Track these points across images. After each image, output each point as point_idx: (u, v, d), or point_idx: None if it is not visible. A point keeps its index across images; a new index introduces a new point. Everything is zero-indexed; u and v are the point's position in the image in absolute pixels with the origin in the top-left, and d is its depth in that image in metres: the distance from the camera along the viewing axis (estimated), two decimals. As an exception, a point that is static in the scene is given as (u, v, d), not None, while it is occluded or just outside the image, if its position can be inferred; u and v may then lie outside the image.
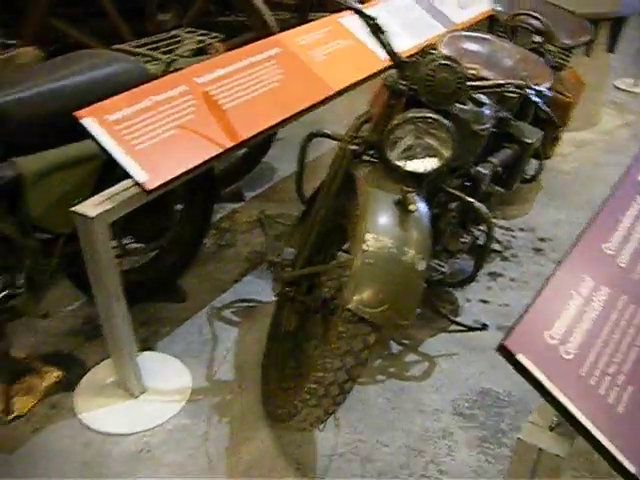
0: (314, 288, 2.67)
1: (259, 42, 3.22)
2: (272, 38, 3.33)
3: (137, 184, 2.29)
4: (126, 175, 2.37)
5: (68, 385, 2.86)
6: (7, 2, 4.47)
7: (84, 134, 2.38)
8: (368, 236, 2.10)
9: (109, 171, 2.64)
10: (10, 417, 2.72)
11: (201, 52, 3.19)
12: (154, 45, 3.13)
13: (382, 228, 2.13)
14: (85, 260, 2.42)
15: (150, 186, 2.29)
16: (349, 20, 3.64)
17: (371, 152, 2.43)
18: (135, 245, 2.96)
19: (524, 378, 1.38)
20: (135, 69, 2.79)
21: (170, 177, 2.35)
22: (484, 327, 3.14)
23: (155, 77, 2.76)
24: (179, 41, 3.23)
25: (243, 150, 3.92)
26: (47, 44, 3.77)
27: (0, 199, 2.44)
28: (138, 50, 3.01)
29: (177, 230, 3.16)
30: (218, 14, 4.56)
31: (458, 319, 3.18)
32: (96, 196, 2.37)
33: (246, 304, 3.29)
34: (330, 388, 2.17)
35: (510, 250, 3.72)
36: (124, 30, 3.88)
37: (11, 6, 4.41)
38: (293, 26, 3.55)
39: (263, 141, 3.87)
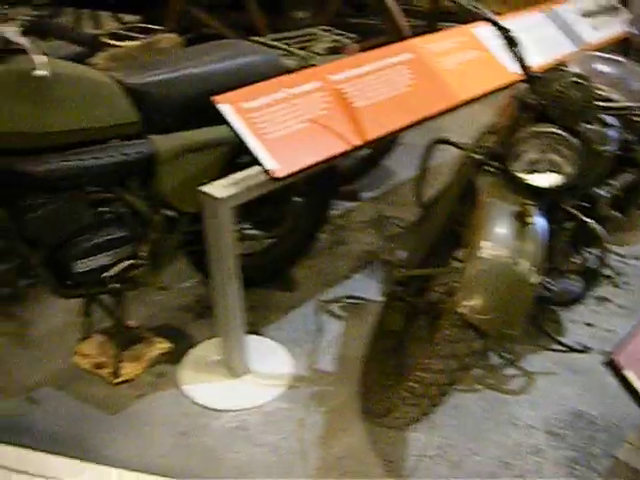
0: (423, 290, 2.71)
1: (392, 46, 3.27)
2: (404, 43, 3.37)
3: (265, 172, 2.38)
4: (254, 162, 2.46)
5: (174, 358, 2.99)
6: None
7: (218, 119, 2.48)
8: (484, 244, 2.13)
9: (237, 157, 2.76)
10: (118, 380, 2.86)
11: (335, 51, 3.26)
12: (291, 40, 3.22)
13: (499, 238, 2.16)
14: (206, 240, 2.53)
15: (278, 174, 2.37)
16: (482, 31, 3.66)
17: (494, 163, 2.45)
18: (252, 231, 3.06)
19: (629, 394, 1.39)
20: (272, 61, 2.89)
21: (298, 168, 2.43)
22: (586, 350, 3.11)
23: (290, 71, 2.84)
24: (315, 39, 3.31)
25: (364, 150, 3.98)
26: (186, 32, 3.92)
27: (135, 174, 2.58)
28: (275, 44, 3.10)
29: (294, 222, 3.24)
30: (351, 15, 4.64)
31: (561, 339, 3.16)
32: (224, 179, 2.48)
33: (353, 300, 3.34)
34: (429, 389, 2.21)
35: (621, 277, 3.67)
36: (261, 24, 3.99)
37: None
38: (423, 33, 3.59)
39: (385, 143, 3.93)
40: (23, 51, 2.12)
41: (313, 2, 4.25)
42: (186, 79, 2.66)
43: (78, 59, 2.71)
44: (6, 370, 2.96)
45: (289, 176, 2.41)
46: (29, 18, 2.10)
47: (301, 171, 2.46)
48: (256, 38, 3.17)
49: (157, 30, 3.59)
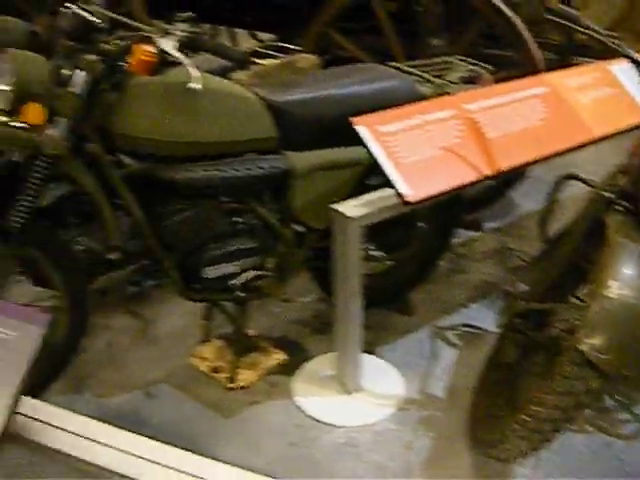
0: (543, 325, 2.69)
1: (526, 79, 3.26)
2: (539, 76, 3.36)
3: (398, 195, 2.42)
4: (384, 184, 2.51)
5: (289, 369, 3.06)
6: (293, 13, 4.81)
7: (353, 140, 2.54)
8: (611, 283, 2.12)
9: (367, 178, 2.82)
10: (233, 386, 2.95)
11: (469, 80, 3.28)
12: (427, 68, 3.26)
13: (626, 278, 2.14)
14: (333, 257, 2.59)
15: (410, 199, 2.41)
16: (618, 68, 3.61)
17: (625, 203, 2.43)
18: (376, 252, 3.10)
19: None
20: (408, 87, 2.94)
21: (429, 194, 2.46)
22: None
23: (425, 98, 2.89)
24: (450, 67, 3.35)
25: (491, 180, 3.98)
26: (323, 53, 4.02)
27: (269, 187, 2.67)
28: (412, 70, 3.15)
29: (416, 246, 3.27)
30: (485, 45, 4.65)
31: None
32: (356, 199, 2.54)
33: (469, 329, 3.34)
34: (543, 424, 2.20)
35: None
36: (397, 49, 4.05)
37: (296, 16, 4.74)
38: (557, 67, 3.57)
39: (512, 175, 3.92)
40: (178, 64, 2.24)
41: (449, 31, 4.28)
42: (325, 100, 2.74)
43: (222, 74, 2.83)
44: (127, 365, 3.10)
45: (420, 201, 2.45)
46: (186, 34, 2.21)
47: (432, 197, 2.49)
48: (393, 64, 3.22)
49: (296, 50, 3.70)
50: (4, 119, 2.35)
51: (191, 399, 2.91)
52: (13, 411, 1.56)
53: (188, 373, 3.04)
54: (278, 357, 3.09)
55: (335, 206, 2.49)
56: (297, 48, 3.72)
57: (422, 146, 2.58)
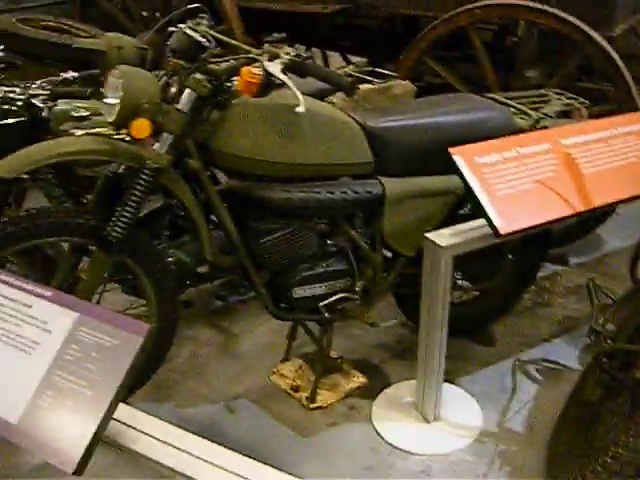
0: (629, 366, 2.65)
1: (624, 115, 3.23)
2: (637, 114, 3.33)
3: (491, 226, 2.42)
4: (475, 215, 2.52)
5: (369, 393, 3.06)
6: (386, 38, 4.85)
7: (447, 169, 2.55)
8: None
9: (458, 208, 2.83)
10: (312, 406, 2.97)
11: (565, 114, 3.27)
12: (522, 100, 3.26)
13: None
14: (422, 284, 2.60)
15: (503, 231, 2.41)
16: None
17: None
18: (462, 282, 3.10)
19: None
20: (505, 119, 2.94)
21: (522, 227, 2.46)
22: None
23: (522, 130, 2.89)
24: (546, 100, 3.34)
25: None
26: (415, 80, 4.04)
27: (362, 211, 2.70)
28: (508, 102, 3.15)
29: (502, 278, 3.26)
30: (581, 79, 4.61)
31: None
32: (448, 228, 2.55)
33: (550, 365, 3.31)
34: (625, 467, 2.17)
35: None
36: (491, 79, 4.05)
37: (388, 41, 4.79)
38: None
39: (602, 212, 3.87)
40: (281, 86, 2.29)
41: (544, 63, 4.27)
42: (422, 127, 2.76)
43: (319, 96, 2.88)
44: (209, 378, 3.15)
45: (513, 234, 2.45)
46: (291, 57, 2.25)
47: (524, 230, 2.49)
48: (491, 95, 3.23)
49: (390, 75, 3.72)
50: (111, 132, 2.43)
51: (270, 416, 2.94)
52: (110, 417, 1.60)
53: (268, 390, 3.08)
54: (358, 380, 3.11)
55: (428, 235, 2.51)
56: (392, 74, 3.74)
57: (517, 179, 2.58)
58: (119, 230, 2.36)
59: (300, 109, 2.18)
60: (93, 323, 1.68)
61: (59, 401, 1.62)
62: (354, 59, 5.98)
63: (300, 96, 2.19)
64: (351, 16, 5.01)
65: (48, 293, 1.78)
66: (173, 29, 2.49)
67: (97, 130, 2.91)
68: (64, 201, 3.17)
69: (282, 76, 2.18)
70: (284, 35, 2.61)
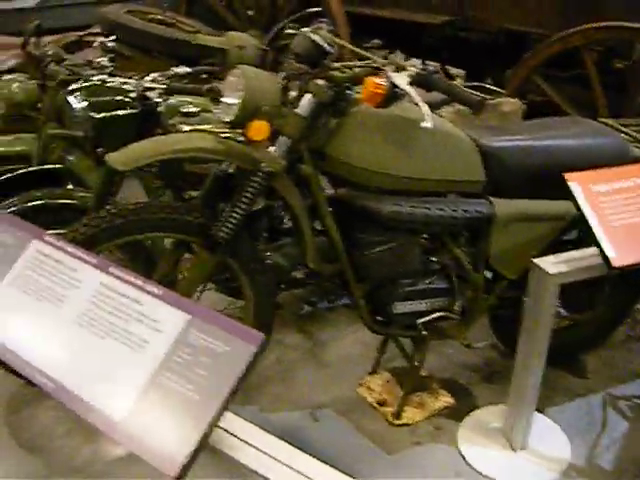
0: None
1: None
2: None
3: (603, 257, 2.35)
4: (584, 243, 2.45)
5: (455, 414, 3.00)
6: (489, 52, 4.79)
7: (559, 194, 2.48)
8: None
9: (564, 234, 2.76)
10: (398, 422, 2.92)
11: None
12: (638, 127, 3.16)
13: None
14: (525, 310, 2.54)
15: (616, 263, 2.33)
16: None
17: None
18: (559, 309, 3.02)
19: None
20: (621, 147, 2.85)
21: (637, 260, 2.38)
22: None
23: (638, 160, 2.80)
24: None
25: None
26: (522, 97, 3.97)
27: (469, 230, 2.65)
28: (624, 129, 3.06)
29: (600, 309, 3.17)
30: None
31: None
32: (557, 255, 2.48)
33: (644, 402, 3.22)
34: None
35: None
36: (601, 103, 3.96)
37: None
38: None
39: None
40: (399, 98, 2.25)
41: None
42: (536, 150, 2.70)
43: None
44: (295, 384, 3.13)
45: (626, 267, 2.37)
46: (418, 70, 2.21)
47: (638, 264, 2.40)
48: (604, 120, 3.14)
49: (498, 92, 3.66)
50: (218, 130, 2.42)
51: (354, 428, 2.90)
52: (215, 424, 1.58)
53: (354, 402, 3.04)
54: (445, 400, 3.05)
55: (536, 261, 2.44)
56: (500, 90, 3.68)
57: (633, 210, 2.50)
58: (227, 230, 2.35)
59: (427, 124, 2.13)
60: (205, 326, 1.65)
61: (166, 403, 1.60)
62: (451, 70, 5.93)
63: (428, 111, 2.14)
64: (458, 28, 4.95)
65: (159, 291, 1.76)
66: (292, 32, 2.48)
67: (203, 127, 2.93)
68: (161, 194, 3.18)
69: (409, 89, 2.13)
70: (379, 42, 2.57)
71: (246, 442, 1.71)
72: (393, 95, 2.16)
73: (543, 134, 2.77)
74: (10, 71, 4.41)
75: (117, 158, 2.29)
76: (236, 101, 2.31)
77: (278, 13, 5.47)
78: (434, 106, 3.10)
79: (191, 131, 2.85)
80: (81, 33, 5.03)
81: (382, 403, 3.00)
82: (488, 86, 3.69)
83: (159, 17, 5.16)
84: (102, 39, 3.52)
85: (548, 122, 2.96)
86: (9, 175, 3.20)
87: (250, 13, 5.71)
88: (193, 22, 5.35)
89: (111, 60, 3.23)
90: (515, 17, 4.48)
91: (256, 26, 5.52)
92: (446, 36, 5.11)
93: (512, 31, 4.69)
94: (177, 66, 3.20)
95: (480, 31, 4.98)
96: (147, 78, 2.99)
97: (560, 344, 3.28)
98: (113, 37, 3.55)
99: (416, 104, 2.15)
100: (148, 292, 1.78)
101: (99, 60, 3.22)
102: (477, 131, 2.71)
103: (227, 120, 2.36)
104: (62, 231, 2.56)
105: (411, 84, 2.16)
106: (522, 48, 4.67)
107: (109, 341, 1.76)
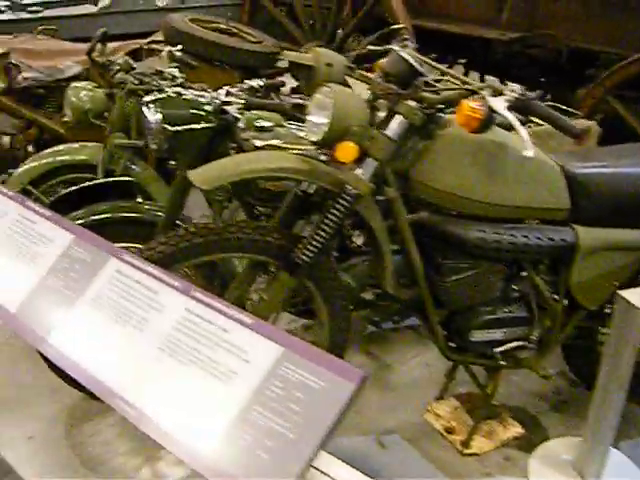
0: None
1: None
2: None
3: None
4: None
5: (525, 444, 2.92)
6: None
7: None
8: None
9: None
10: (467, 451, 2.85)
11: None
12: None
13: None
14: (608, 342, 2.45)
15: None
16: None
17: None
18: None
19: None
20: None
21: None
22: None
23: None
24: None
25: None
26: (590, 117, 3.87)
27: (550, 258, 2.57)
28: None
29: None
30: None
31: None
32: (642, 287, 2.40)
33: None
34: None
35: None
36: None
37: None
38: None
39: None
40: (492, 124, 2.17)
41: None
42: (623, 178, 2.61)
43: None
44: (361, 407, 3.04)
45: None
46: (516, 95, 2.12)
47: None
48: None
49: (574, 114, 3.57)
50: (314, 152, 2.36)
51: (422, 456, 2.82)
52: (310, 464, 1.51)
53: (421, 428, 2.96)
54: (515, 430, 2.96)
55: (623, 293, 2.35)
56: (575, 112, 3.58)
57: None
58: (309, 254, 2.28)
59: (529, 153, 2.04)
60: (299, 360, 1.58)
61: (258, 438, 1.53)
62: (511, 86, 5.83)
63: (528, 138, 2.05)
64: (526, 45, 4.86)
65: (249, 320, 1.70)
66: (377, 48, 2.42)
67: (276, 142, 2.88)
68: (225, 207, 3.13)
69: (508, 114, 2.04)
70: (436, 55, 2.49)
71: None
72: (490, 120, 2.07)
73: (629, 161, 2.68)
74: (74, 78, 4.40)
75: (199, 176, 2.23)
76: (324, 120, 2.25)
77: (342, 25, 5.41)
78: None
79: (265, 147, 2.81)
80: (144, 41, 5.02)
81: (450, 431, 2.93)
82: (561, 106, 3.57)
83: (222, 26, 5.12)
84: (170, 48, 3.47)
85: (631, 148, 2.86)
86: (76, 187, 3.17)
87: (312, 24, 5.66)
88: (255, 32, 5.30)
89: (179, 70, 3.18)
90: (588, 36, 4.38)
91: (319, 38, 5.48)
92: (512, 52, 5.03)
93: (581, 49, 4.60)
94: (242, 77, 3.13)
95: (545, 48, 4.89)
96: (221, 91, 2.93)
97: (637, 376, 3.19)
98: (180, 46, 3.50)
99: (516, 131, 2.06)
100: (236, 320, 1.72)
101: (169, 70, 3.17)
102: (562, 157, 2.62)
103: (314, 140, 2.29)
104: (138, 246, 2.54)
105: (509, 109, 2.07)
106: (584, 67, 4.59)
107: (193, 369, 1.70)
